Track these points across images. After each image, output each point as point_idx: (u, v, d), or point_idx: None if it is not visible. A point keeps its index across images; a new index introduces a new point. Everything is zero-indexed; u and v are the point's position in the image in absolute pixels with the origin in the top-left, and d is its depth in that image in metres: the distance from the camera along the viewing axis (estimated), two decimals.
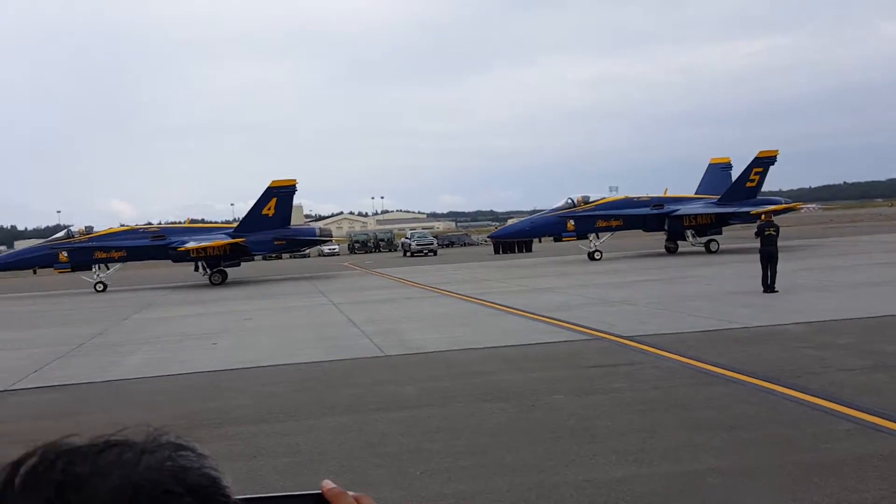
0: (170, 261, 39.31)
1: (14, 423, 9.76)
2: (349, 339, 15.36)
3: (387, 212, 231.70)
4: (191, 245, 36.71)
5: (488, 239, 59.95)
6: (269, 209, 38.62)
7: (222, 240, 37.43)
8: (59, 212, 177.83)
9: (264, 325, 18.95)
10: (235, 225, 40.44)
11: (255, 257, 44.13)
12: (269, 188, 38.83)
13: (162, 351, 15.52)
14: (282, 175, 40.25)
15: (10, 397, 11.58)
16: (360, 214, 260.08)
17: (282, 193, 38.86)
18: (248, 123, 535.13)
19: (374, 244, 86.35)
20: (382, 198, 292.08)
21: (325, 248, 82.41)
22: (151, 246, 38.37)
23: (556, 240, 42.28)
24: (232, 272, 38.74)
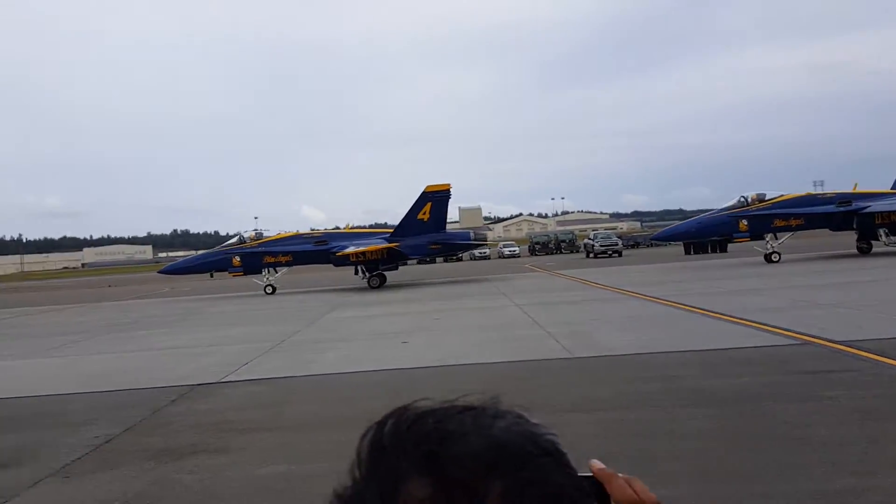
0: (331, 264, 41.46)
1: (229, 411, 10.75)
2: (535, 341, 15.48)
3: (567, 212, 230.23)
4: (350, 249, 38.82)
5: (652, 241, 58.58)
6: (423, 214, 39.94)
7: (379, 244, 39.22)
8: (256, 218, 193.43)
9: (451, 325, 19.53)
10: (392, 230, 42.13)
11: (412, 261, 45.60)
12: (423, 193, 40.09)
13: (355, 348, 16.45)
14: (442, 179, 41.73)
15: (223, 389, 12.75)
16: (539, 216, 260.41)
17: (436, 198, 40.04)
18: (430, 130, 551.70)
19: (555, 245, 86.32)
20: (563, 198, 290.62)
21: (506, 250, 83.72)
22: (314, 251, 41.01)
23: (726, 241, 40.25)
24: (414, 272, 40.21)
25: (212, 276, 43.30)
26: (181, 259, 49.31)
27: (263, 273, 40.69)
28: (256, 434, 9.32)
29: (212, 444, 8.93)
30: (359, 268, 40.30)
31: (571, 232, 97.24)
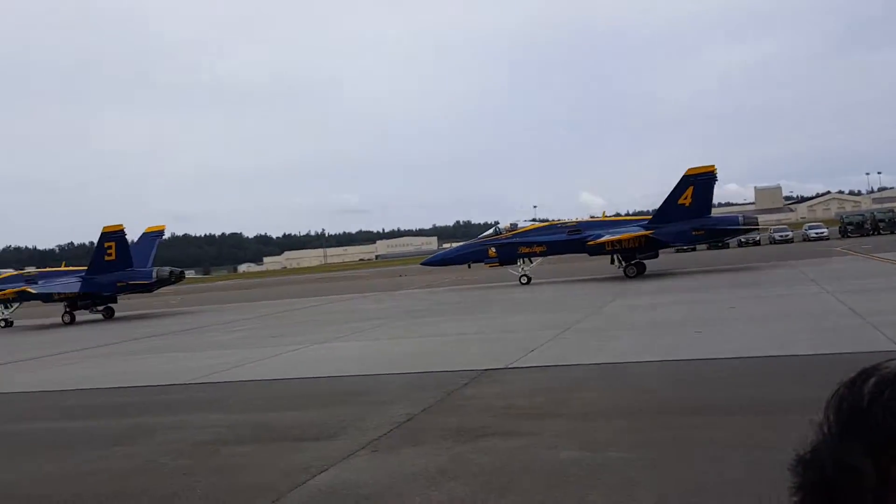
0: (585, 254, 41.05)
1: (518, 396, 11.17)
2: (853, 331, 14.18)
3: (885, 188, 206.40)
4: (605, 238, 38.21)
5: None
6: (685, 199, 38.33)
7: (634, 232, 38.15)
8: (535, 206, 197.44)
9: (750, 315, 18.49)
10: (651, 217, 40.70)
11: (675, 248, 43.75)
12: (685, 177, 38.44)
13: (641, 337, 16.23)
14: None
15: (511, 374, 13.26)
16: (851, 193, 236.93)
17: (699, 181, 38.24)
18: (720, 106, 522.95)
19: (871, 226, 78.02)
20: (880, 173, 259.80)
21: (812, 232, 77.66)
22: (568, 240, 41.00)
23: None
24: (696, 259, 38.54)
25: (469, 266, 45.37)
26: (440, 251, 51.96)
27: (518, 263, 41.68)
28: (545, 419, 9.58)
29: (503, 427, 9.34)
30: (614, 257, 39.77)
31: (892, 210, 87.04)
